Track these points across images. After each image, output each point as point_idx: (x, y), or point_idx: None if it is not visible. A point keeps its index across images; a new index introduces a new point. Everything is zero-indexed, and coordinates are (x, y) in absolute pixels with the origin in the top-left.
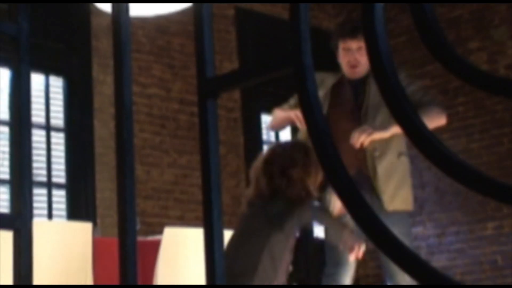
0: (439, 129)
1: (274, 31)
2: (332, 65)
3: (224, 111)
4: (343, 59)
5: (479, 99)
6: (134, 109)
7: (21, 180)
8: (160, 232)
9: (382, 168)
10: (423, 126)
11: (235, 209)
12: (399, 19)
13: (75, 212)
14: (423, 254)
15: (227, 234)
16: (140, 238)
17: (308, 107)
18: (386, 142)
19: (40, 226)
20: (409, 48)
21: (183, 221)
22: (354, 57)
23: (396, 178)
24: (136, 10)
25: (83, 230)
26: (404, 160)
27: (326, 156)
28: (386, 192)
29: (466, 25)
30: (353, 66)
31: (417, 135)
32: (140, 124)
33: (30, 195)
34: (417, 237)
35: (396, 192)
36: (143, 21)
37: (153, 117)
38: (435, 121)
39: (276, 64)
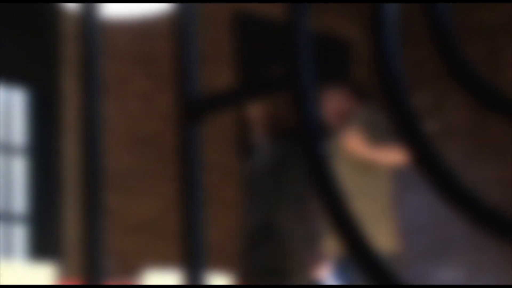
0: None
1: (278, 37)
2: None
3: (216, 130)
4: None
5: None
6: (109, 127)
7: None
8: (141, 273)
9: None
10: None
11: (232, 248)
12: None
13: (38, 250)
14: None
15: (218, 280)
16: (115, 281)
17: (307, 135)
18: None
19: None
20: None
21: (168, 261)
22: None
23: None
24: (113, 9)
25: (47, 272)
26: None
27: (326, 187)
28: None
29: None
30: None
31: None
32: (117, 145)
33: None
34: (443, 283)
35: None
36: (122, 22)
37: (132, 137)
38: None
39: (270, 85)
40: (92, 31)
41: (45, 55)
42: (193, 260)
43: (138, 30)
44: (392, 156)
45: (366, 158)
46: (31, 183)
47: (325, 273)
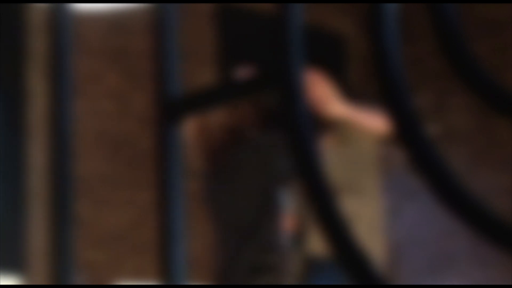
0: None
1: (266, 31)
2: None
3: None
4: None
5: None
6: (80, 129)
7: None
8: None
9: None
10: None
11: (211, 262)
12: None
13: (1, 261)
14: None
15: None
16: None
17: (297, 136)
18: None
19: None
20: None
21: (141, 275)
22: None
23: None
24: (86, 3)
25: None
26: None
27: (317, 190)
28: None
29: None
30: None
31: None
32: (88, 149)
33: None
34: None
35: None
36: (95, 17)
37: (105, 140)
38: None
39: (257, 83)
40: (62, 23)
41: (9, 50)
42: (172, 275)
43: (113, 24)
44: (374, 121)
45: (345, 118)
46: None
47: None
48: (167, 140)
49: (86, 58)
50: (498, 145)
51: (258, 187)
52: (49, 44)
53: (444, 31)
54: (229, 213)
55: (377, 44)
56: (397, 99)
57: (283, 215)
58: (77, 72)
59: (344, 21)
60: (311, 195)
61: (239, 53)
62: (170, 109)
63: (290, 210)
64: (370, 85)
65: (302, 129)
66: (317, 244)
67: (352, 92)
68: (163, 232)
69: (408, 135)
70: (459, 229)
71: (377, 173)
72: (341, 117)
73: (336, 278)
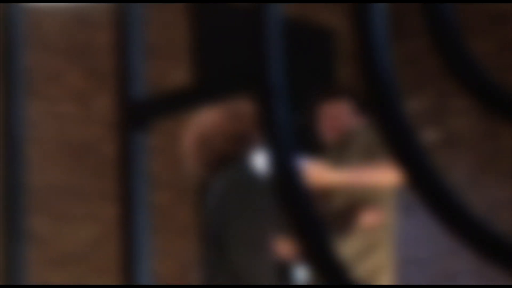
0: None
1: (244, 26)
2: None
3: (168, 139)
4: None
5: None
6: (37, 134)
7: None
8: None
9: None
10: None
11: (186, 282)
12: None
13: None
14: None
15: None
16: None
17: (275, 146)
18: None
19: None
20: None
21: None
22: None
23: None
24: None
25: None
26: None
27: (295, 207)
28: None
29: None
30: None
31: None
32: (46, 157)
33: None
34: None
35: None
36: (55, 10)
37: (65, 147)
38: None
39: (233, 84)
40: (14, 17)
41: None
42: None
43: (75, 18)
44: (382, 175)
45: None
46: None
47: None
48: (130, 147)
49: (42, 56)
50: (505, 153)
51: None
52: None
53: (436, 25)
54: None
55: (362, 40)
56: (386, 104)
57: (279, 241)
58: (34, 71)
59: (333, 14)
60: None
61: (214, 50)
62: (134, 112)
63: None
64: (360, 81)
65: (282, 138)
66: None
67: (341, 91)
68: (126, 250)
69: (399, 145)
70: (459, 248)
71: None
72: (341, 183)
73: None
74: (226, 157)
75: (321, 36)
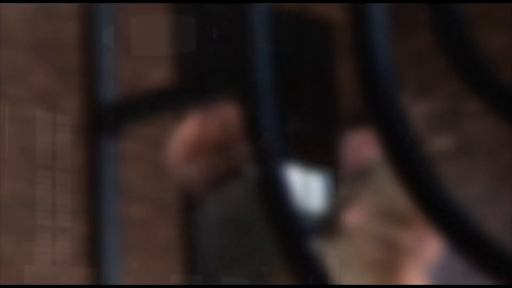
0: (456, 177)
1: (230, 19)
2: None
3: (148, 144)
4: None
5: None
6: None
7: None
8: None
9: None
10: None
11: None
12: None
13: None
14: None
15: None
16: None
17: (260, 152)
18: None
19: None
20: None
21: None
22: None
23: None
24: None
25: None
26: None
27: (279, 214)
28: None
29: None
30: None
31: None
32: (8, 165)
33: None
34: None
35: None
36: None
37: (29, 155)
38: None
39: (217, 85)
40: None
41: None
42: None
43: (42, 10)
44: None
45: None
46: None
47: None
48: (99, 156)
49: (8, 50)
50: None
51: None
52: None
53: (440, 18)
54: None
55: (359, 31)
56: (382, 107)
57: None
58: None
59: (332, 7)
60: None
61: (196, 47)
62: (105, 116)
63: None
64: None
65: (268, 144)
66: None
67: (339, 89)
68: (96, 269)
69: (397, 156)
70: (472, 271)
71: None
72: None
73: None
74: (223, 171)
75: (320, 30)
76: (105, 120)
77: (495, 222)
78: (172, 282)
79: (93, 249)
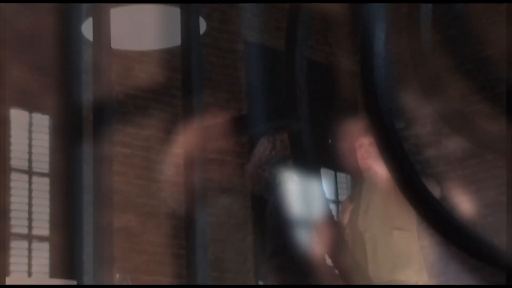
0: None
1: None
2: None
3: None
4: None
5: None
6: None
7: None
8: None
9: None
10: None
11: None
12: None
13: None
14: None
15: None
16: None
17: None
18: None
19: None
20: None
21: None
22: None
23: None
24: None
25: None
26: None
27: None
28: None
29: None
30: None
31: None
32: None
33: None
34: None
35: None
36: None
37: (3, 160)
38: None
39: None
40: None
41: None
42: None
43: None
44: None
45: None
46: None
47: None
48: (78, 159)
49: None
50: None
51: None
52: None
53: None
54: None
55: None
56: (378, 107)
57: None
58: None
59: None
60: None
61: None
62: (84, 116)
63: None
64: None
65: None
66: None
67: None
68: (76, 281)
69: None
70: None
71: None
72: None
73: None
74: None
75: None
76: (86, 120)
77: (509, 226)
78: None
79: (73, 260)
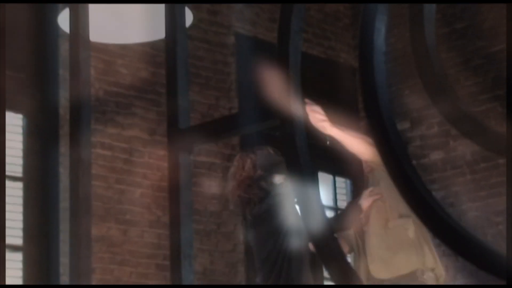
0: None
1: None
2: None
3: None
4: None
5: None
6: None
7: None
8: None
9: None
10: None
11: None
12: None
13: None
14: None
15: None
16: None
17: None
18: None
19: None
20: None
21: None
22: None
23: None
24: None
25: None
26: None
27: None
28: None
29: None
30: None
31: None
32: None
33: None
34: None
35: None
36: None
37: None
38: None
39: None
40: None
41: None
42: None
43: None
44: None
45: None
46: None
47: None
48: (55, 163)
49: None
50: None
51: None
52: None
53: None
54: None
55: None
56: (378, 109)
57: None
58: None
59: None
60: None
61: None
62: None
63: None
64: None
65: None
66: None
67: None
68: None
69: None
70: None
71: None
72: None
73: None
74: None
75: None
76: (63, 120)
77: None
78: None
79: (48, 272)
